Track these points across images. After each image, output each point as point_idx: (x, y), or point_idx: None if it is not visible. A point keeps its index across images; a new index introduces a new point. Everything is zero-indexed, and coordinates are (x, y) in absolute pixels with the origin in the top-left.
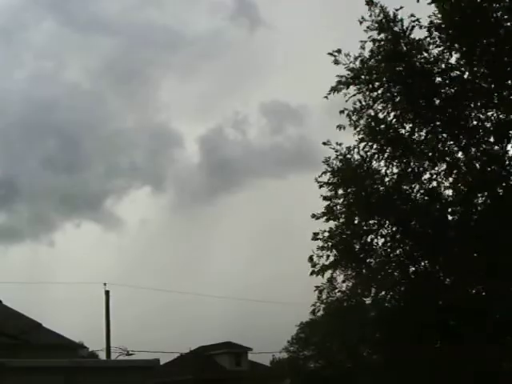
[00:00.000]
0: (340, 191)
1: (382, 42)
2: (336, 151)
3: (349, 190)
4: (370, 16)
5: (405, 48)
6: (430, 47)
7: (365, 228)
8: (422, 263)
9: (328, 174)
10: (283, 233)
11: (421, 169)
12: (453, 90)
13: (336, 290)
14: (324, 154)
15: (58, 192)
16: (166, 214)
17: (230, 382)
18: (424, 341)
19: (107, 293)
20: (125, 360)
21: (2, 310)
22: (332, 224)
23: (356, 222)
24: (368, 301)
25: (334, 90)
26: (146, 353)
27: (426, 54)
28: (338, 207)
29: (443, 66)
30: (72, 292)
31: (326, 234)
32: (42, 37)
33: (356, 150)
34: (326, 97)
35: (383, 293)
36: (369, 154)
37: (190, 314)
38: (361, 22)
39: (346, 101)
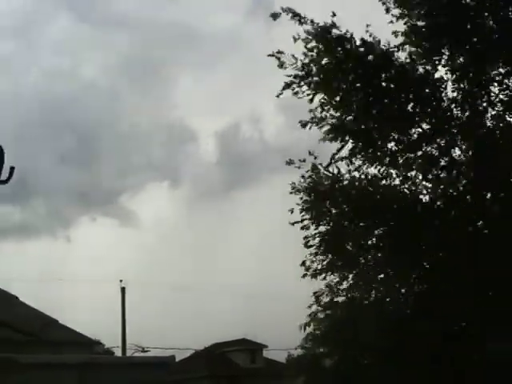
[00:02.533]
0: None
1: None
2: (299, 168)
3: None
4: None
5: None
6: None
7: (356, 229)
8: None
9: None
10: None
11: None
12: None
13: (335, 295)
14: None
15: (74, 188)
16: (182, 210)
17: (245, 380)
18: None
19: (123, 290)
20: (140, 357)
21: (19, 306)
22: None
23: (346, 224)
24: (368, 303)
25: (287, 87)
26: (161, 350)
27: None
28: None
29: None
30: (88, 288)
31: (318, 239)
32: (58, 33)
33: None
34: (278, 96)
35: (383, 295)
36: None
37: (206, 311)
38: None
39: (299, 98)
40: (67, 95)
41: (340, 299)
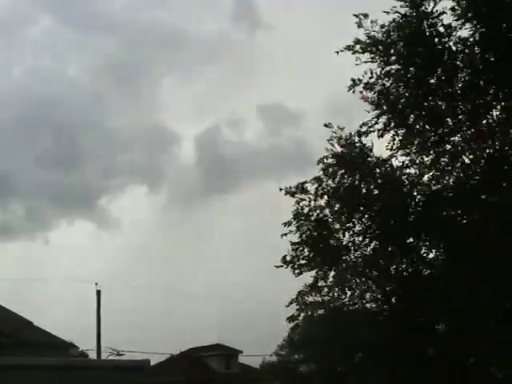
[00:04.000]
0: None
1: (405, 20)
2: (335, 133)
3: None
4: None
5: (427, 30)
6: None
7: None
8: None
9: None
10: (280, 234)
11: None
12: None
13: (319, 294)
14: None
15: (54, 190)
16: (160, 214)
17: None
18: (414, 343)
19: (98, 292)
20: (117, 360)
21: None
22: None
23: (330, 220)
24: (347, 300)
25: (349, 48)
26: (136, 353)
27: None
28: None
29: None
30: (64, 290)
31: (297, 235)
32: (42, 34)
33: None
34: (337, 52)
35: (367, 294)
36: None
37: (182, 315)
38: None
39: (357, 64)
40: (50, 96)
41: (322, 299)
